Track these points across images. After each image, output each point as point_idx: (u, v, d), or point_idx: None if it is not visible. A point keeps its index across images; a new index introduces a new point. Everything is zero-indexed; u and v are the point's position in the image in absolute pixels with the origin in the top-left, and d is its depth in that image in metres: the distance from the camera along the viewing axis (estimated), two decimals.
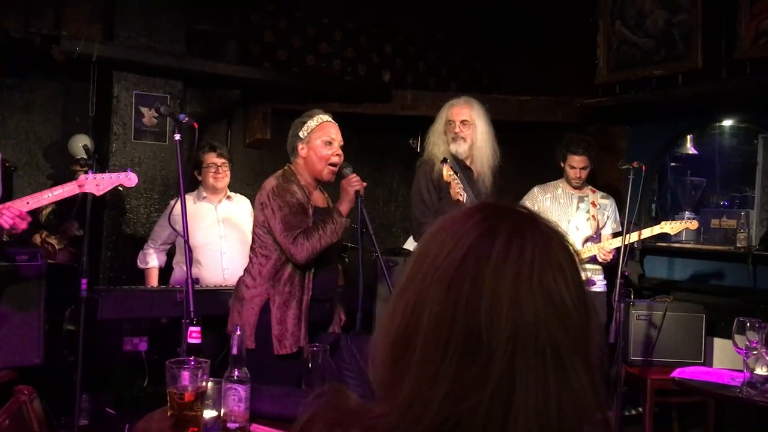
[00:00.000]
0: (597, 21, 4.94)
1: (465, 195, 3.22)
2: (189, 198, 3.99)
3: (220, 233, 4.00)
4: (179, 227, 3.82)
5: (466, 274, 0.74)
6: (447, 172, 3.22)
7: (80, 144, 4.48)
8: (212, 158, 4.00)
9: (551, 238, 0.79)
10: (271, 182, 2.89)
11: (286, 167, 2.97)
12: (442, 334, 0.73)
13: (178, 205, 3.84)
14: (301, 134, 2.92)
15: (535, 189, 4.26)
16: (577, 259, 0.79)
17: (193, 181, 4.09)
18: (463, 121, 3.51)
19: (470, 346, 0.72)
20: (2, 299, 3.20)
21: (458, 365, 0.72)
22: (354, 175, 2.91)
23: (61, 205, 4.40)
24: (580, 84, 5.14)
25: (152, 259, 4.11)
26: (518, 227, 0.78)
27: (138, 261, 4.16)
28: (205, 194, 4.06)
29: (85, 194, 2.98)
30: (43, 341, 3.33)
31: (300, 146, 2.92)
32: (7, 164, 4.42)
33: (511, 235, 0.76)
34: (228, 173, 4.05)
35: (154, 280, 4.11)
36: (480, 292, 0.73)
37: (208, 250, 3.96)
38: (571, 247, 0.80)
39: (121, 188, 4.33)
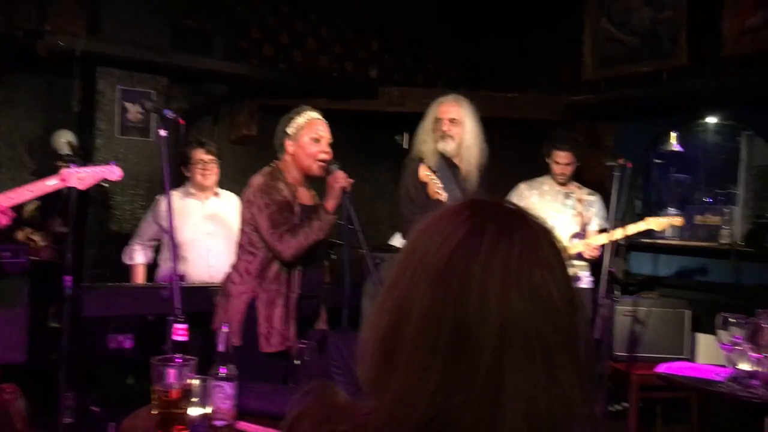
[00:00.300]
0: (583, 18, 4.96)
1: (445, 194, 3.22)
2: (176, 194, 3.94)
3: (206, 230, 3.97)
4: (165, 224, 3.81)
5: (455, 270, 0.74)
6: (423, 172, 3.23)
7: (64, 140, 4.44)
8: (200, 155, 3.97)
9: (539, 234, 0.79)
10: (257, 179, 2.88)
11: (272, 164, 2.96)
12: (430, 331, 0.73)
13: (163, 202, 3.85)
14: (288, 131, 2.91)
15: (521, 185, 4.27)
16: (564, 256, 0.79)
17: (179, 177, 4.06)
18: (451, 120, 3.49)
19: (459, 342, 0.72)
20: None
21: (447, 361, 0.72)
22: (340, 171, 2.90)
23: (45, 201, 4.37)
24: (566, 81, 5.16)
25: (138, 256, 4.08)
26: (506, 224, 0.78)
27: (124, 257, 4.12)
28: (192, 191, 4.03)
29: (69, 190, 2.95)
30: (26, 339, 3.30)
31: (288, 143, 2.91)
32: None
33: (499, 231, 0.76)
34: (216, 170, 4.02)
35: (140, 277, 4.08)
36: (468, 289, 0.73)
37: (194, 247, 3.93)
38: (558, 244, 0.80)
39: (105, 184, 4.30)
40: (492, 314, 0.72)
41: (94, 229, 4.54)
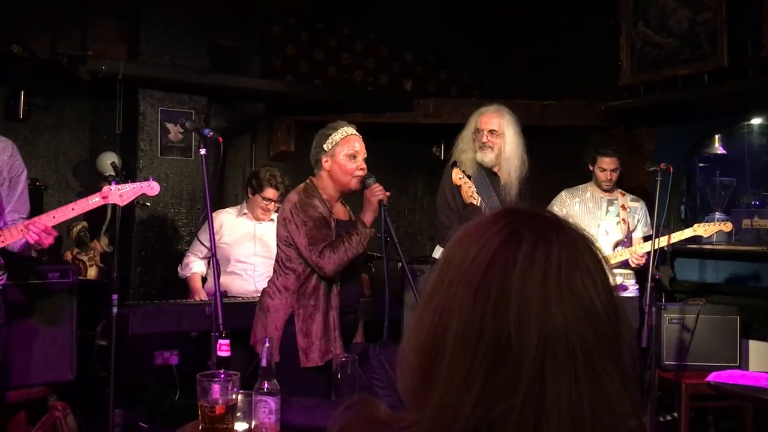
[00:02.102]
0: (619, 22, 4.90)
1: (479, 198, 3.20)
2: (233, 211, 4.13)
3: (255, 250, 4.05)
4: (215, 242, 3.94)
5: (493, 279, 0.74)
6: (456, 175, 3.19)
7: (108, 161, 4.54)
8: (272, 194, 4.02)
9: (577, 241, 0.78)
10: (293, 197, 2.89)
11: (308, 181, 2.97)
12: (470, 341, 0.73)
13: (218, 219, 4.00)
14: (325, 147, 2.91)
15: (564, 193, 4.21)
16: (604, 263, 0.78)
17: (221, 193, 4.12)
18: (491, 131, 3.45)
19: (499, 351, 0.71)
20: (35, 316, 3.25)
21: (488, 371, 0.71)
22: (377, 184, 2.90)
23: (91, 222, 4.48)
24: (603, 86, 5.10)
25: (195, 266, 4.10)
26: (543, 231, 0.77)
27: (179, 270, 4.16)
28: (246, 211, 4.12)
29: (114, 212, 3.01)
30: (75, 357, 3.37)
31: (324, 159, 2.92)
32: (37, 183, 4.50)
33: (537, 239, 0.75)
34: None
35: (197, 285, 4.09)
36: (507, 297, 0.72)
37: (244, 265, 4.03)
38: (598, 251, 0.79)
39: (148, 203, 4.39)
40: (532, 322, 0.71)
41: (138, 248, 4.63)
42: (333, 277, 2.84)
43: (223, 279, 3.98)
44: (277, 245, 2.96)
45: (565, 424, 0.69)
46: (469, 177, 3.24)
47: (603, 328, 0.73)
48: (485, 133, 3.46)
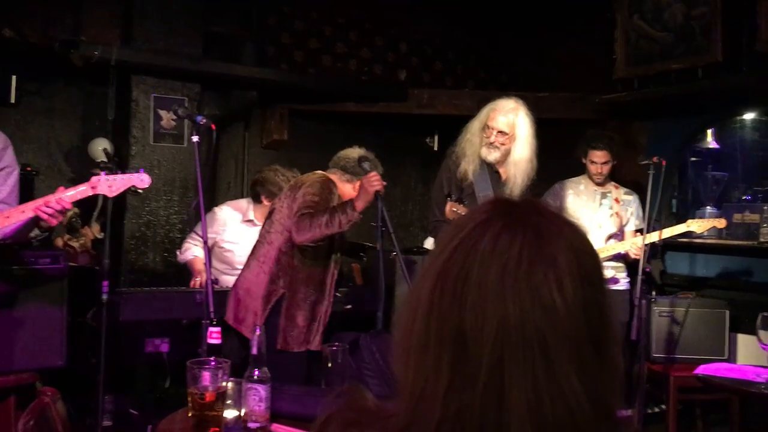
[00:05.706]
0: (614, 15, 4.89)
1: None
2: (237, 213, 4.08)
3: None
4: (217, 238, 3.93)
5: (453, 266, 0.72)
6: (450, 208, 3.00)
7: (100, 148, 4.52)
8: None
9: (551, 233, 0.74)
10: (311, 178, 2.93)
11: (329, 176, 3.01)
12: (433, 328, 0.72)
13: (221, 216, 4.06)
14: (361, 170, 2.98)
15: (557, 185, 4.20)
16: (588, 258, 0.74)
17: (214, 182, 4.10)
18: (501, 132, 3.27)
19: (459, 340, 0.70)
20: (25, 302, 3.24)
21: (452, 360, 0.71)
22: (374, 173, 2.87)
23: (82, 208, 4.45)
24: (598, 79, 5.10)
25: (195, 250, 4.01)
26: (514, 220, 0.74)
27: (179, 255, 4.12)
28: (252, 217, 4.05)
29: (105, 199, 2.98)
30: (66, 343, 3.36)
31: (356, 180, 2.99)
32: (28, 169, 4.48)
33: (503, 228, 0.73)
34: None
35: (199, 266, 4.01)
36: (468, 286, 0.71)
37: None
38: (580, 244, 0.75)
39: (139, 191, 4.36)
40: (488, 312, 0.69)
41: (130, 234, 4.61)
42: (301, 245, 2.84)
43: (227, 279, 3.96)
44: (273, 227, 2.94)
45: (525, 416, 0.68)
46: (461, 202, 3.08)
47: (561, 324, 0.70)
48: (494, 132, 3.28)
